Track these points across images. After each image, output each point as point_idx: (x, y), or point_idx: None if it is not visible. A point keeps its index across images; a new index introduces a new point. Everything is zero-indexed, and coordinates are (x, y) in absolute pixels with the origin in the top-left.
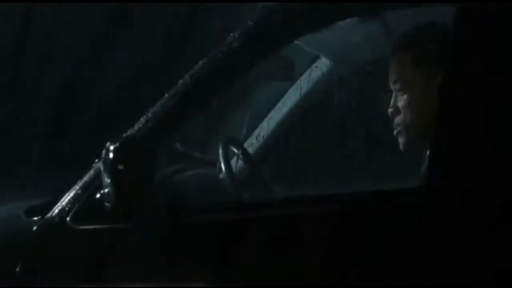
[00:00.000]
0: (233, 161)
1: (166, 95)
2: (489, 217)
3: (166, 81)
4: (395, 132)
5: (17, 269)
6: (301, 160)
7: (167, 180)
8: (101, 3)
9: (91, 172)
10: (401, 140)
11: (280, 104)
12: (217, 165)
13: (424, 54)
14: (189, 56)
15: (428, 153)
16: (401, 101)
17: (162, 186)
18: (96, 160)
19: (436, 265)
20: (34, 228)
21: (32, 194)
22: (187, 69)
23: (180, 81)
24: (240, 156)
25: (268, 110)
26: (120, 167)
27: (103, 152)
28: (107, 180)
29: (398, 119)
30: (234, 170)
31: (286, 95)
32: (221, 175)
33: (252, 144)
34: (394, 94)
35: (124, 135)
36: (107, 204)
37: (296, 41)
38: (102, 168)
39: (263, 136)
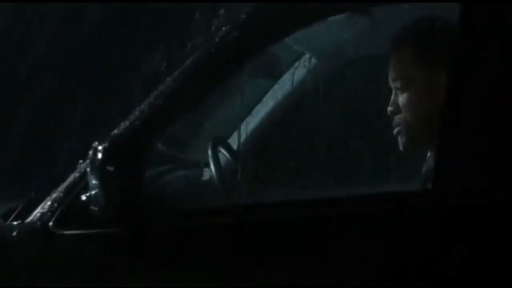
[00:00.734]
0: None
1: (155, 92)
2: (496, 219)
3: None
4: (394, 131)
5: None
6: (285, 161)
7: (154, 182)
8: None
9: (76, 173)
10: (401, 140)
11: (260, 104)
12: (202, 166)
13: (426, 50)
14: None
15: (429, 153)
16: (402, 99)
17: (150, 189)
18: (81, 161)
19: (441, 267)
20: (14, 233)
21: (9, 196)
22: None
23: (170, 78)
24: (229, 157)
25: (250, 110)
26: (110, 168)
27: (90, 152)
28: (95, 182)
29: (398, 118)
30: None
31: (268, 95)
32: (206, 177)
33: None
34: (393, 92)
35: (113, 134)
36: (94, 207)
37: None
38: (89, 168)
39: (244, 137)
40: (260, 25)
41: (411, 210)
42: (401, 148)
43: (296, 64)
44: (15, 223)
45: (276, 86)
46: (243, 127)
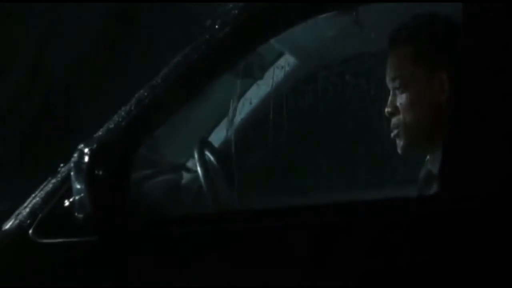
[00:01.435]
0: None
1: (141, 91)
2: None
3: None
4: (392, 134)
5: None
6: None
7: (138, 187)
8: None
9: (58, 177)
10: (399, 142)
11: (239, 105)
12: (183, 170)
13: (427, 48)
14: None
15: (428, 157)
16: (401, 99)
17: (136, 195)
18: (62, 164)
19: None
20: None
21: None
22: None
23: (158, 77)
24: (215, 162)
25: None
26: (99, 172)
27: (75, 155)
28: (80, 187)
29: (396, 120)
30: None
31: (246, 96)
32: (189, 182)
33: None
34: (391, 92)
35: (99, 136)
36: (78, 214)
37: None
38: (73, 172)
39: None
40: (252, 23)
41: (412, 217)
42: (399, 151)
43: (276, 64)
44: None
45: (254, 86)
46: (222, 128)
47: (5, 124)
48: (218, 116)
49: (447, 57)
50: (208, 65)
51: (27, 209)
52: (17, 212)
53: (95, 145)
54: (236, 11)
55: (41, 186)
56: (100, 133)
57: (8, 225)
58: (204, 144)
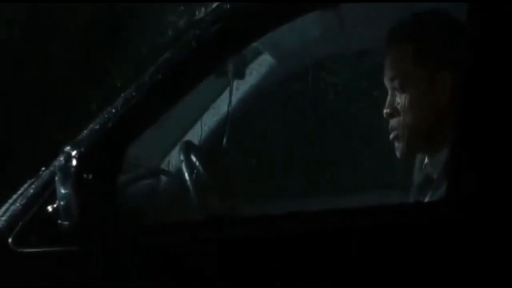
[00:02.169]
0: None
1: (128, 91)
2: None
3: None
4: (391, 136)
5: None
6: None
7: (124, 193)
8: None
9: (39, 181)
10: (398, 145)
11: (213, 107)
12: (164, 175)
13: (427, 46)
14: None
15: (426, 160)
16: (400, 100)
17: (122, 201)
18: (43, 168)
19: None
20: None
21: None
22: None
23: (146, 75)
24: (200, 166)
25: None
26: (87, 176)
27: (61, 158)
28: (64, 191)
29: (395, 122)
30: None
31: (222, 97)
32: (171, 187)
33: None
34: (390, 92)
35: (85, 137)
36: (63, 221)
37: None
38: (57, 176)
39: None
40: (240, 22)
41: (420, 223)
42: (398, 154)
43: (254, 63)
44: None
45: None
46: (196, 130)
47: None
48: (192, 117)
49: (448, 57)
50: (198, 64)
51: (6, 216)
52: None
53: (83, 148)
54: (225, 10)
55: (20, 191)
56: (84, 134)
57: None
58: (190, 147)
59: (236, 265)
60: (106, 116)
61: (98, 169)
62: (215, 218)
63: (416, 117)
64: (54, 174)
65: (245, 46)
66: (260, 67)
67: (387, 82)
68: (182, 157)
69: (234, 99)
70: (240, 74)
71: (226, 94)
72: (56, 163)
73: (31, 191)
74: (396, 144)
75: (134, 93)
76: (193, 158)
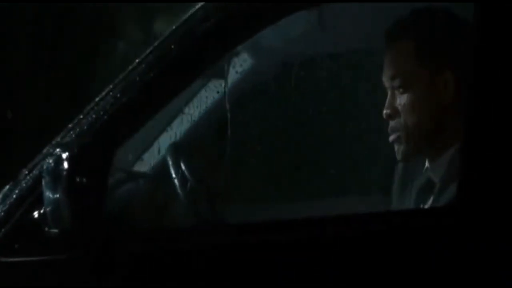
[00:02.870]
0: None
1: (117, 88)
2: None
3: None
4: (391, 138)
5: None
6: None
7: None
8: None
9: (22, 185)
10: (399, 147)
11: (189, 107)
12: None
13: (429, 44)
14: None
15: (427, 164)
16: (401, 100)
17: (112, 206)
18: (26, 171)
19: None
20: None
21: None
22: None
23: (136, 71)
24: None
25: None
26: (81, 179)
27: (50, 160)
28: (52, 196)
29: (396, 123)
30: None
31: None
32: (156, 191)
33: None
34: (390, 92)
35: (76, 138)
36: (51, 228)
37: None
38: (45, 180)
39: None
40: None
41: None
42: (399, 157)
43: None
44: None
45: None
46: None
47: None
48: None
49: (451, 55)
50: (191, 63)
51: None
52: None
53: (76, 149)
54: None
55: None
56: (73, 135)
57: None
58: (178, 150)
59: (228, 271)
60: (94, 116)
61: (91, 172)
62: (206, 224)
63: (418, 118)
64: (40, 178)
65: (238, 44)
66: (239, 67)
67: (386, 81)
68: (170, 161)
69: (210, 101)
70: (221, 74)
71: (201, 94)
72: (44, 165)
73: (14, 195)
74: (397, 147)
75: (123, 92)
76: (182, 162)
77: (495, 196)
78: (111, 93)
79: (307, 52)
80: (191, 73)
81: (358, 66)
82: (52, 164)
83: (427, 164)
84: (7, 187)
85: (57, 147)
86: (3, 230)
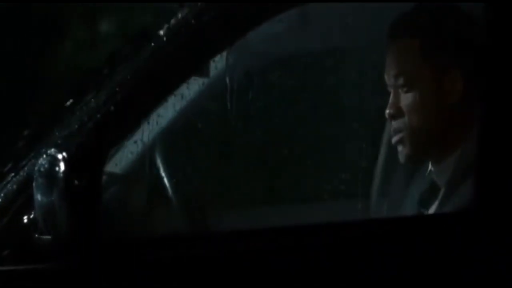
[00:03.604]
0: None
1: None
2: None
3: None
4: (394, 139)
5: None
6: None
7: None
8: None
9: (8, 187)
10: (403, 149)
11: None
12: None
13: (435, 40)
14: None
15: (430, 167)
16: (406, 100)
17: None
18: (11, 173)
19: None
20: None
21: None
22: None
23: (129, 68)
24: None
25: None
26: (80, 182)
27: (42, 161)
28: (44, 199)
29: (399, 123)
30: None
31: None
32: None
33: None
34: (393, 91)
35: (71, 138)
36: (41, 235)
37: None
38: (36, 183)
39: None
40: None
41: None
42: (402, 159)
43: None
44: None
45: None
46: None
47: None
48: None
49: (458, 53)
50: (186, 61)
51: None
52: None
53: (73, 150)
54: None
55: None
56: (67, 135)
57: None
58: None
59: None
60: (87, 115)
61: (90, 174)
62: (201, 231)
63: (424, 118)
64: (29, 180)
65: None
66: (217, 64)
67: (389, 80)
68: (159, 162)
69: (185, 100)
70: (205, 72)
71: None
72: (35, 167)
73: None
74: (400, 148)
75: (117, 89)
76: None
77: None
78: (103, 91)
79: (289, 50)
80: (187, 70)
81: (340, 66)
82: (46, 165)
83: (430, 167)
84: None
85: (51, 147)
86: None
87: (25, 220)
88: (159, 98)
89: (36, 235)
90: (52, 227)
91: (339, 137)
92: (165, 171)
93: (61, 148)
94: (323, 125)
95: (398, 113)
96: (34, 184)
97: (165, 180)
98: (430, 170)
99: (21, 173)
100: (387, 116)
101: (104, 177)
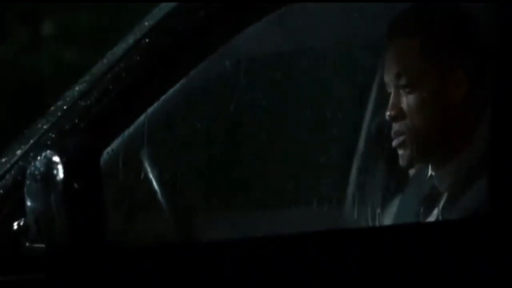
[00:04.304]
0: None
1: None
2: None
3: None
4: (395, 142)
5: None
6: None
7: None
8: None
9: None
10: (405, 152)
11: None
12: None
13: (438, 38)
14: None
15: (430, 172)
16: (407, 100)
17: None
18: None
19: None
20: None
21: None
22: None
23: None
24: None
25: None
26: (79, 186)
27: (38, 164)
28: (38, 205)
29: (400, 125)
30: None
31: None
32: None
33: None
34: (394, 92)
35: (69, 139)
36: (33, 243)
37: None
38: (28, 186)
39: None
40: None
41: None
42: (404, 163)
43: None
44: None
45: None
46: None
47: None
48: None
49: (461, 52)
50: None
51: None
52: None
53: (71, 152)
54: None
55: None
56: (61, 135)
57: None
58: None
59: None
60: (79, 116)
61: (90, 178)
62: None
63: (427, 120)
64: (19, 184)
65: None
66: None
67: (390, 80)
68: (147, 166)
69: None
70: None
71: None
72: (27, 170)
73: None
74: (401, 152)
75: (110, 87)
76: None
77: None
78: (93, 91)
79: (265, 50)
80: (180, 70)
81: (318, 66)
82: (42, 168)
83: (430, 171)
84: None
85: (44, 149)
86: None
87: (15, 227)
88: (153, 97)
89: (27, 243)
90: (47, 234)
91: (315, 139)
92: (152, 173)
93: (57, 150)
94: (300, 128)
95: (399, 115)
96: (25, 189)
97: (153, 183)
98: (431, 175)
99: (7, 177)
100: (387, 118)
101: None
